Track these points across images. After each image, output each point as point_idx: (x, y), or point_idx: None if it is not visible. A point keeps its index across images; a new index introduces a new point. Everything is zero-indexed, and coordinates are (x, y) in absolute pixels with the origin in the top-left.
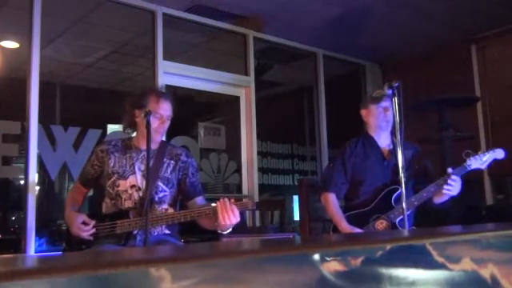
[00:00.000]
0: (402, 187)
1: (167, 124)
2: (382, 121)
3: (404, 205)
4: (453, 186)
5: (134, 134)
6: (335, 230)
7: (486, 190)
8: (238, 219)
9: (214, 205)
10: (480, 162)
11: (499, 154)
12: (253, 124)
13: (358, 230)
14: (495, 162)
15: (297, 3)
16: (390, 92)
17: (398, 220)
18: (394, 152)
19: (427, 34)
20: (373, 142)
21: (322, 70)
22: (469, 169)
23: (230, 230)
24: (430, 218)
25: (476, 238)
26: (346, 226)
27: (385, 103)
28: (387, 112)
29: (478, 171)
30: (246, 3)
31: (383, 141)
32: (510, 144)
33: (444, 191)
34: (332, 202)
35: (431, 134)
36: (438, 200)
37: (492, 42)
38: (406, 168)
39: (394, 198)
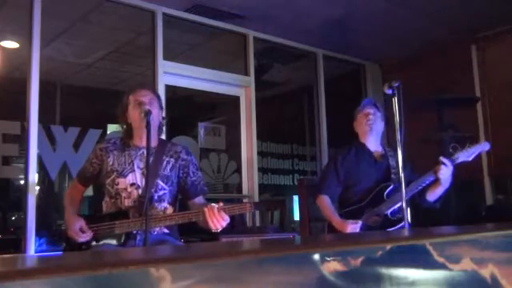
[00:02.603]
0: (401, 184)
1: (156, 115)
2: (365, 125)
3: (404, 200)
4: (445, 171)
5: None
6: (330, 228)
7: (486, 190)
8: (228, 221)
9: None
10: (467, 154)
11: (484, 146)
12: (253, 124)
13: (350, 221)
14: (495, 162)
15: (297, 3)
16: (389, 92)
17: (388, 211)
18: (385, 155)
19: (427, 33)
20: (364, 148)
21: (321, 69)
22: (456, 162)
23: (221, 228)
24: (430, 218)
25: (476, 238)
26: (337, 220)
27: (366, 109)
28: (369, 116)
29: (478, 172)
30: (246, 3)
31: (375, 146)
32: (510, 144)
33: (439, 176)
34: (325, 203)
35: (431, 134)
36: (431, 197)
37: (492, 42)
38: (396, 172)
39: (386, 192)
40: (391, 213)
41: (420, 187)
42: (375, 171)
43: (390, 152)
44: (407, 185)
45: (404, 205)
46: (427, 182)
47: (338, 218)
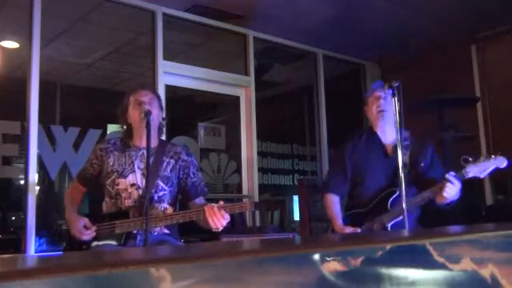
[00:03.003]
0: (401, 188)
1: (156, 115)
2: (376, 110)
3: (404, 205)
4: (451, 190)
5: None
6: (334, 230)
7: (486, 190)
8: (228, 220)
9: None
10: (479, 169)
11: (501, 162)
12: (253, 124)
13: (349, 229)
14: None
15: (297, 3)
16: (390, 92)
17: (390, 224)
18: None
19: (427, 33)
20: (375, 138)
21: (321, 69)
22: (467, 176)
23: (222, 227)
24: (430, 218)
25: (476, 238)
26: (338, 225)
27: (376, 93)
28: (379, 100)
29: None
30: (246, 3)
31: (388, 136)
32: (510, 144)
33: (444, 194)
34: (329, 203)
35: (431, 135)
36: (439, 201)
37: (492, 42)
38: (410, 165)
39: (390, 201)
40: (392, 226)
41: (423, 202)
42: (385, 168)
43: (405, 142)
44: (422, 172)
45: (404, 214)
46: (431, 197)
47: (339, 222)
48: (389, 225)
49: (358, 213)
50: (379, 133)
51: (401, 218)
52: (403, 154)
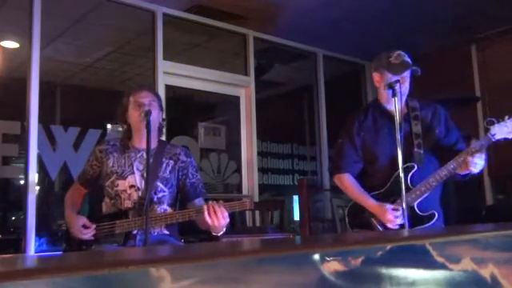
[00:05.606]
0: (416, 167)
1: (156, 116)
2: (397, 93)
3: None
4: (476, 164)
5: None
6: (352, 210)
7: (486, 190)
8: (227, 219)
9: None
10: (507, 129)
11: None
12: (253, 124)
13: (389, 206)
14: (495, 162)
15: (297, 3)
16: (389, 92)
17: (415, 203)
18: (407, 116)
19: (427, 33)
20: (384, 112)
21: (321, 69)
22: (493, 139)
23: (223, 231)
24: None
25: (476, 238)
26: (373, 204)
27: (404, 74)
28: (404, 83)
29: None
30: (246, 3)
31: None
32: (510, 144)
33: (470, 167)
34: (349, 182)
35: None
36: (462, 172)
37: (492, 41)
38: (424, 134)
39: (410, 177)
40: (419, 206)
41: (450, 175)
42: (394, 141)
43: (415, 112)
44: (439, 140)
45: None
46: (456, 168)
47: (372, 200)
48: (415, 204)
49: (376, 195)
50: (387, 105)
51: (426, 195)
52: (415, 125)
